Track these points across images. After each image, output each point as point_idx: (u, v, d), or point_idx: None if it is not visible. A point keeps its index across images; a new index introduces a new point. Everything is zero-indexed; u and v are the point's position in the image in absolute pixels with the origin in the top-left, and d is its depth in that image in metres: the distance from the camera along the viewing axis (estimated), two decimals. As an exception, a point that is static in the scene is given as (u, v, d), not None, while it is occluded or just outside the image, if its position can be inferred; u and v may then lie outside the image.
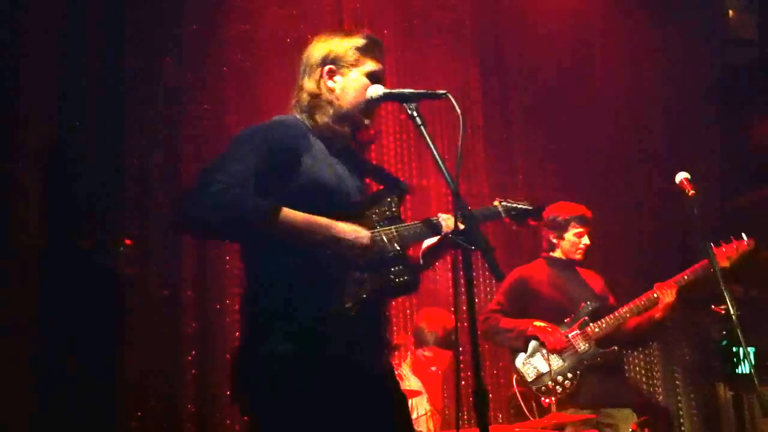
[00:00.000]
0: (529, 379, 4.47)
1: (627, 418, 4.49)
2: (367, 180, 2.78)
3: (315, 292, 2.39)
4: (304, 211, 2.42)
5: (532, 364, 4.50)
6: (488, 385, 5.58)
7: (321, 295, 2.39)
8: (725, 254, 4.49)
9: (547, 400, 4.39)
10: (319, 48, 2.71)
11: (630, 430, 4.40)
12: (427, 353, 4.69)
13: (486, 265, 2.32)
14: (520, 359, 4.54)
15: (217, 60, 5.31)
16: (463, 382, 5.30)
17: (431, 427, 4.59)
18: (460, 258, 2.31)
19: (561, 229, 4.76)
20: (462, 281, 2.28)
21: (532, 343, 4.51)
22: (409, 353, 4.82)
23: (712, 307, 4.38)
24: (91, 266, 4.48)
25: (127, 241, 4.61)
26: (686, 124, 6.98)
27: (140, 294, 4.73)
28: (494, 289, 6.00)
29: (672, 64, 6.96)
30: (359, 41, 2.69)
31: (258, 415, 2.44)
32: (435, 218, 2.69)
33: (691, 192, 3.62)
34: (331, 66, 2.66)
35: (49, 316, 4.24)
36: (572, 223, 4.74)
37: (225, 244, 4.83)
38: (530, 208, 3.00)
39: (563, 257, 4.79)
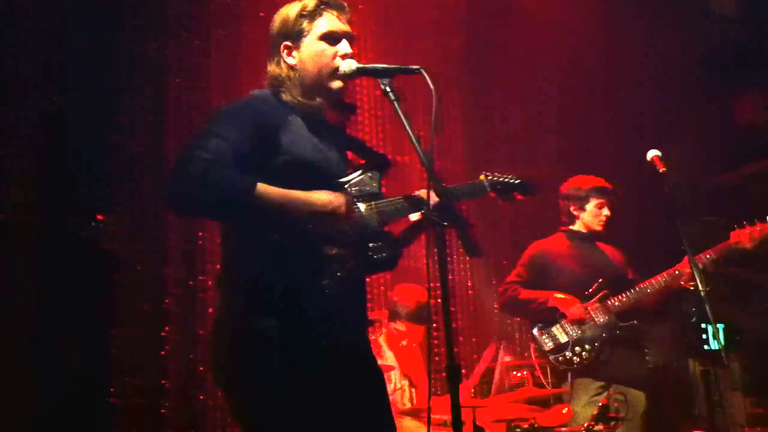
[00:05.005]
0: (547, 349, 4.53)
1: (639, 401, 4.48)
2: (348, 154, 2.73)
3: (293, 270, 2.38)
4: (285, 188, 2.39)
5: (551, 334, 4.55)
6: (462, 361, 5.73)
7: (299, 272, 2.38)
8: (749, 235, 4.37)
9: (519, 374, 4.43)
10: (275, 25, 2.65)
11: (641, 411, 4.44)
12: (399, 327, 4.73)
13: (460, 242, 2.33)
14: (538, 330, 4.60)
15: (199, 35, 5.27)
16: (437, 358, 5.35)
17: (405, 401, 4.63)
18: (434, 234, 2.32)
19: (582, 201, 4.79)
20: (436, 257, 2.27)
21: (552, 314, 4.56)
22: (384, 328, 4.86)
23: (682, 283, 4.37)
24: (72, 242, 4.48)
25: (99, 216, 4.58)
26: (670, 101, 7.01)
27: (120, 270, 4.73)
28: (468, 265, 6.05)
29: (656, 41, 6.97)
30: (308, 4, 2.61)
31: (237, 391, 2.43)
32: (417, 194, 2.65)
33: (662, 169, 3.63)
34: (287, 42, 2.60)
35: (32, 291, 4.26)
36: (593, 195, 4.77)
37: (206, 221, 4.84)
38: (517, 182, 2.95)
39: (584, 230, 4.81)
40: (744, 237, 4.36)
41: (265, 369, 2.35)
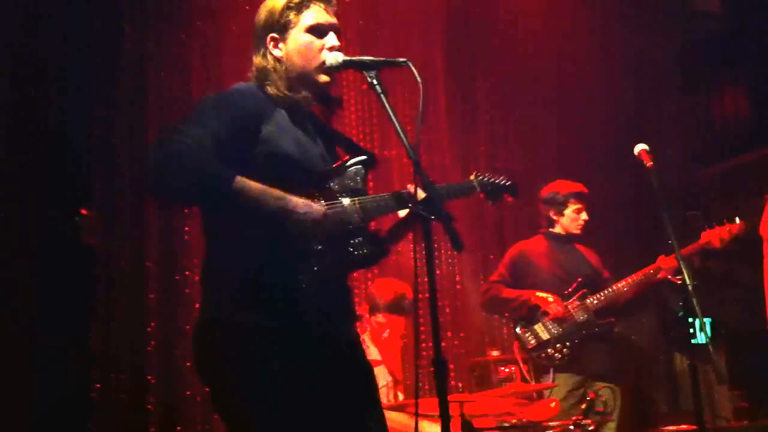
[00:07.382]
0: (530, 346, 4.70)
1: (614, 394, 4.61)
2: (334, 150, 2.71)
3: (272, 264, 2.35)
4: (265, 182, 2.35)
5: (533, 332, 4.72)
6: (449, 355, 5.72)
7: (278, 267, 2.35)
8: (718, 236, 4.59)
9: (507, 369, 4.46)
10: (261, 17, 2.63)
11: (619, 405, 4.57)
12: (380, 319, 4.76)
13: (447, 236, 2.31)
14: (521, 328, 4.75)
15: (179, 27, 5.23)
16: (424, 353, 5.33)
17: (392, 398, 4.63)
18: (421, 228, 2.30)
19: (560, 205, 4.94)
20: (423, 252, 2.25)
21: (534, 312, 4.71)
22: (368, 324, 4.86)
23: (669, 277, 4.51)
24: (54, 237, 4.45)
25: (83, 211, 4.55)
26: (651, 96, 7.03)
27: (103, 265, 4.70)
28: (456, 259, 6.05)
29: (637, 36, 7.00)
30: None
31: (218, 385, 2.41)
32: (403, 191, 2.62)
33: (650, 163, 3.63)
34: (273, 34, 2.58)
35: (13, 287, 4.22)
36: (571, 200, 4.92)
37: (187, 214, 4.81)
38: (508, 183, 2.96)
39: (563, 233, 4.97)
40: (714, 237, 4.59)
41: (247, 363, 2.33)
